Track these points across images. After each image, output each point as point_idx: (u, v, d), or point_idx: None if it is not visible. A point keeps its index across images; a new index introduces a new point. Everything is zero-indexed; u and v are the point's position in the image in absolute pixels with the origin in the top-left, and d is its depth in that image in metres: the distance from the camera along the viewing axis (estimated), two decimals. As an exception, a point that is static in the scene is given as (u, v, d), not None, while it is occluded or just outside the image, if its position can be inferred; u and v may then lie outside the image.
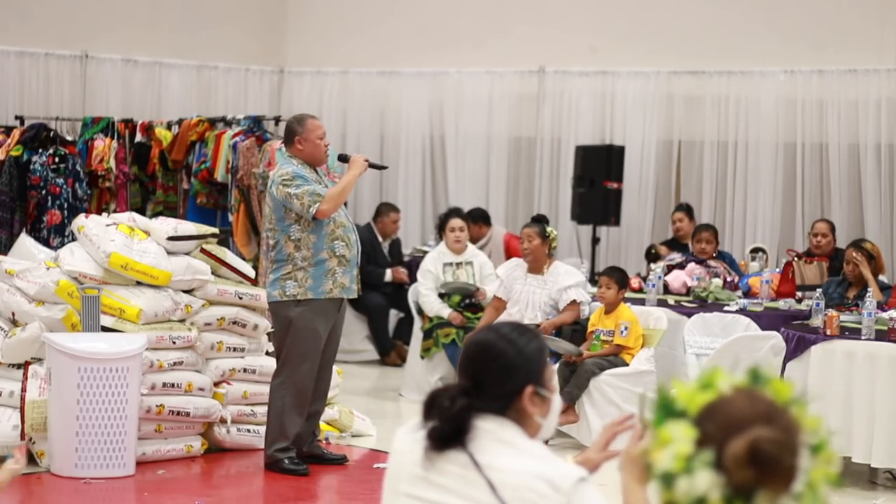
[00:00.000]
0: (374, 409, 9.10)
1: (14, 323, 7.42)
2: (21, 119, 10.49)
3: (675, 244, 11.04)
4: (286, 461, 7.14)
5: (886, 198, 11.67)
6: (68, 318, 7.28)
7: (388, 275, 11.43)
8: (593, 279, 10.05)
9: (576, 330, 8.65)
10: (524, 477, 2.80)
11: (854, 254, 8.74)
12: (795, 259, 9.75)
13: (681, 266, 9.99)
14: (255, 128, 10.21)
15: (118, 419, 6.86)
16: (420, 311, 9.97)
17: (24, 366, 7.25)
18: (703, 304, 9.28)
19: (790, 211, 12.04)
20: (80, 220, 7.79)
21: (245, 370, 7.74)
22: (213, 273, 7.74)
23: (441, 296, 9.84)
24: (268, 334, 7.84)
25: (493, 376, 2.93)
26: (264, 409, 7.39)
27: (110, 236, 7.51)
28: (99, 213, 8.87)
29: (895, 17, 11.72)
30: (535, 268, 8.93)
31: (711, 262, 9.97)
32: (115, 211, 9.71)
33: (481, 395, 2.91)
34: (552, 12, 12.95)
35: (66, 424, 6.83)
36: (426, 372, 9.73)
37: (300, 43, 13.91)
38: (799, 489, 2.34)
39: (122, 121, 10.62)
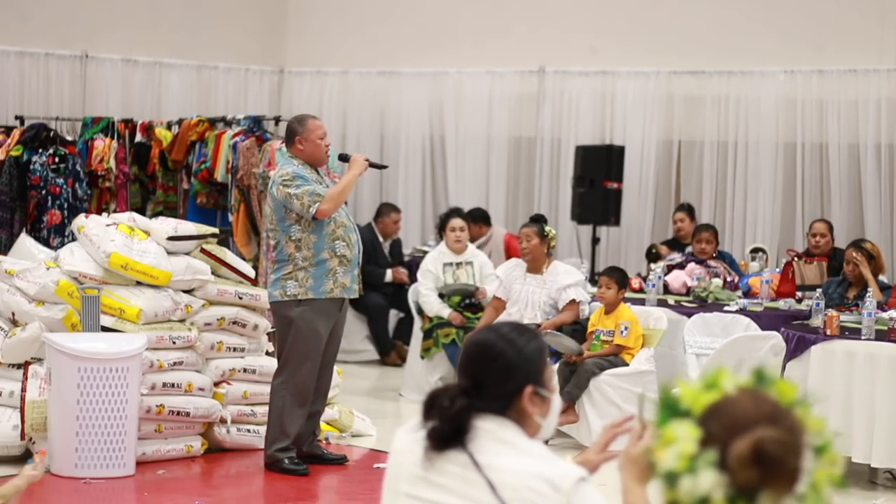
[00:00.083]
0: (374, 409, 9.10)
1: (14, 323, 7.42)
2: (21, 119, 10.48)
3: (675, 244, 11.04)
4: (286, 461, 7.14)
5: (886, 198, 11.66)
6: (68, 318, 7.27)
7: (389, 275, 11.42)
8: (593, 279, 10.05)
9: (576, 329, 8.64)
10: (524, 477, 2.80)
11: (854, 254, 8.74)
12: (795, 259, 9.74)
13: (681, 266, 9.98)
14: (255, 128, 10.20)
15: (118, 419, 6.85)
16: (420, 311, 9.97)
17: (24, 366, 7.25)
18: (703, 304, 9.27)
19: (790, 211, 12.03)
20: (80, 220, 7.78)
21: (245, 370, 7.73)
22: (213, 273, 7.74)
23: (441, 296, 9.84)
24: (269, 334, 7.85)
25: (493, 376, 2.93)
26: (264, 409, 7.39)
27: (110, 236, 7.51)
28: (99, 213, 8.86)
29: (895, 17, 11.71)
30: (535, 267, 8.92)
31: (711, 262, 9.97)
32: (115, 211, 9.71)
33: (481, 395, 2.90)
34: (552, 12, 12.94)
35: (66, 424, 6.83)
36: (426, 372, 9.73)
37: (300, 43, 13.90)
38: (802, 490, 2.34)
39: (122, 121, 10.61)
